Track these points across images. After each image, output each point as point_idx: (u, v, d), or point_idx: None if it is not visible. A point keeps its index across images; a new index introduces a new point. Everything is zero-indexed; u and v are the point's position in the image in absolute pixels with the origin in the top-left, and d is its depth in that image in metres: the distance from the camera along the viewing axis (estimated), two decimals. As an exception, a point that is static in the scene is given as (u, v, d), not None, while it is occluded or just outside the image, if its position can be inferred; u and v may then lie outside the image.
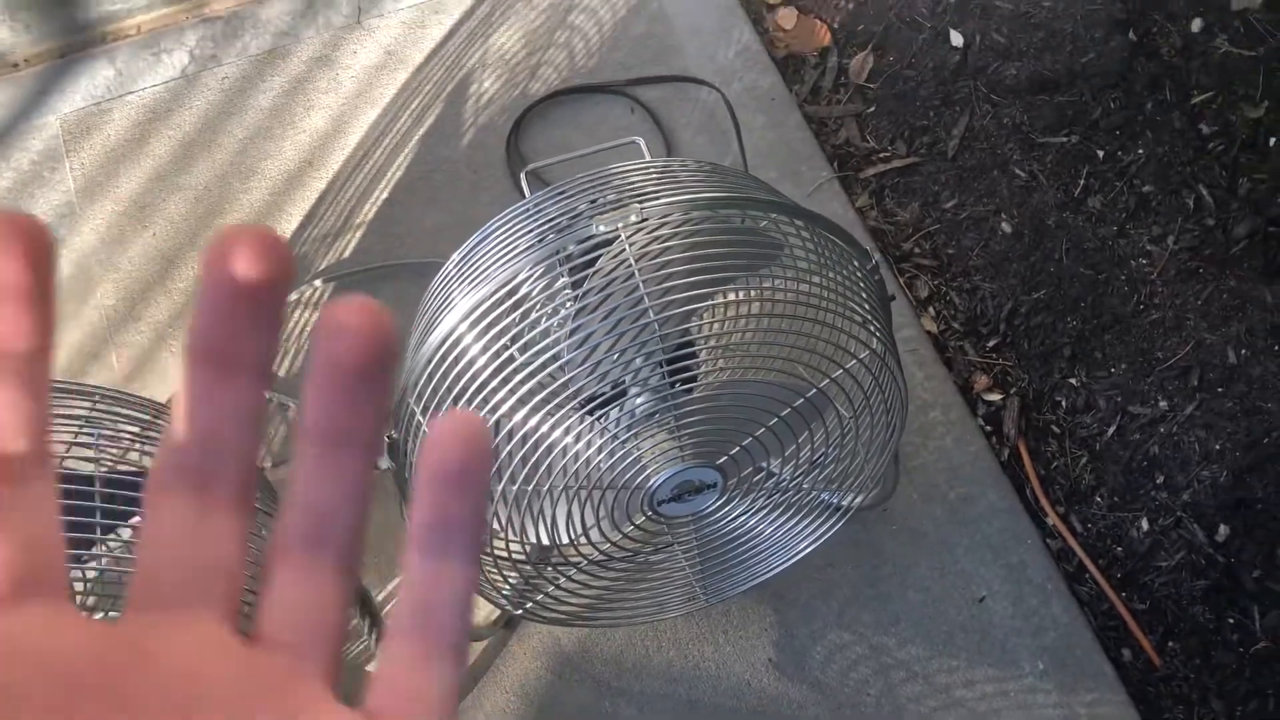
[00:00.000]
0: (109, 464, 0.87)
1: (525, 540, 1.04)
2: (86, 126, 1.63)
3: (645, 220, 0.92)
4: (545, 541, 1.04)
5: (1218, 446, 1.36)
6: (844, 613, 1.32)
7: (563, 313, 0.95)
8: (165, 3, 1.69)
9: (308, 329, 1.49)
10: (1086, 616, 1.31)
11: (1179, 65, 1.54)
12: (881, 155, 1.59)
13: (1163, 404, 1.39)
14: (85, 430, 0.88)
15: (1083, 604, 1.32)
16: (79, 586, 0.88)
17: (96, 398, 0.92)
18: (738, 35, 1.68)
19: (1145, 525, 1.35)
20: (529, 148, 1.59)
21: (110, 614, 0.88)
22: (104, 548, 0.87)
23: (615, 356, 0.93)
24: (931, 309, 1.50)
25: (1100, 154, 1.52)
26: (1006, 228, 1.51)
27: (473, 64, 1.66)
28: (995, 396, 1.44)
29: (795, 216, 0.98)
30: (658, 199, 0.94)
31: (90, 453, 0.86)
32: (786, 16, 1.70)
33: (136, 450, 0.91)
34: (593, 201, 0.98)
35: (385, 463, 1.03)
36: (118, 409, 0.93)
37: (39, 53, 1.68)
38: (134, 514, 0.86)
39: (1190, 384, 1.39)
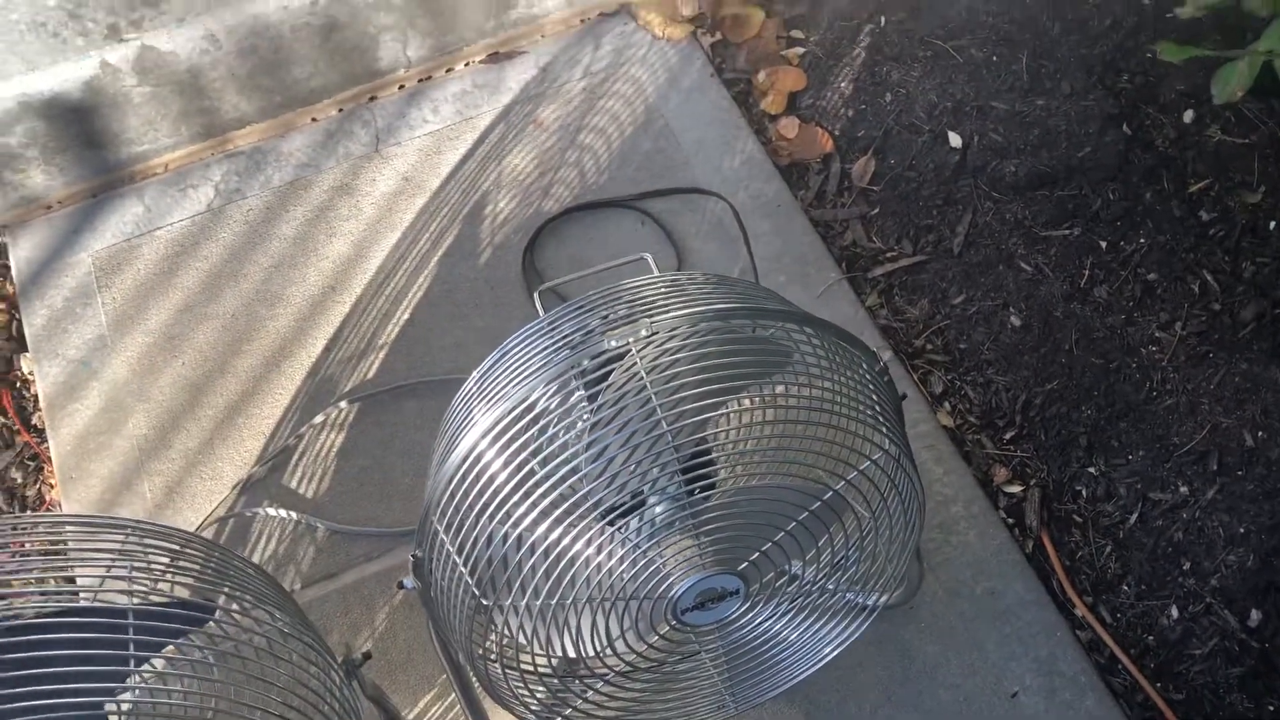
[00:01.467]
0: (141, 596, 0.89)
1: (552, 654, 1.05)
2: (117, 262, 1.68)
3: (654, 334, 0.95)
4: (571, 654, 1.05)
5: (1242, 530, 1.35)
6: (876, 714, 1.31)
7: (579, 426, 0.97)
8: (191, 140, 1.77)
9: (334, 450, 1.51)
10: (1122, 708, 1.30)
11: (1174, 155, 1.58)
12: (888, 255, 1.63)
13: (1183, 489, 1.39)
14: (119, 563, 0.90)
15: (1118, 696, 1.31)
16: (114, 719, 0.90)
17: (129, 530, 0.95)
18: (741, 146, 1.73)
19: (1175, 613, 1.34)
20: (544, 263, 1.63)
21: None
22: (137, 679, 0.89)
23: (631, 468, 0.95)
24: (947, 404, 1.52)
25: (1103, 245, 1.54)
26: (1015, 321, 1.53)
27: (488, 185, 1.72)
28: (1015, 488, 1.45)
29: (802, 323, 1.00)
30: (667, 312, 0.97)
31: (124, 585, 0.88)
32: (788, 126, 1.76)
33: (167, 580, 0.93)
34: (604, 317, 1.01)
35: (410, 582, 1.05)
36: (149, 540, 0.95)
37: (72, 193, 1.75)
38: (166, 644, 0.88)
39: (1209, 468, 1.39)
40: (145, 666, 0.87)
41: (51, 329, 1.64)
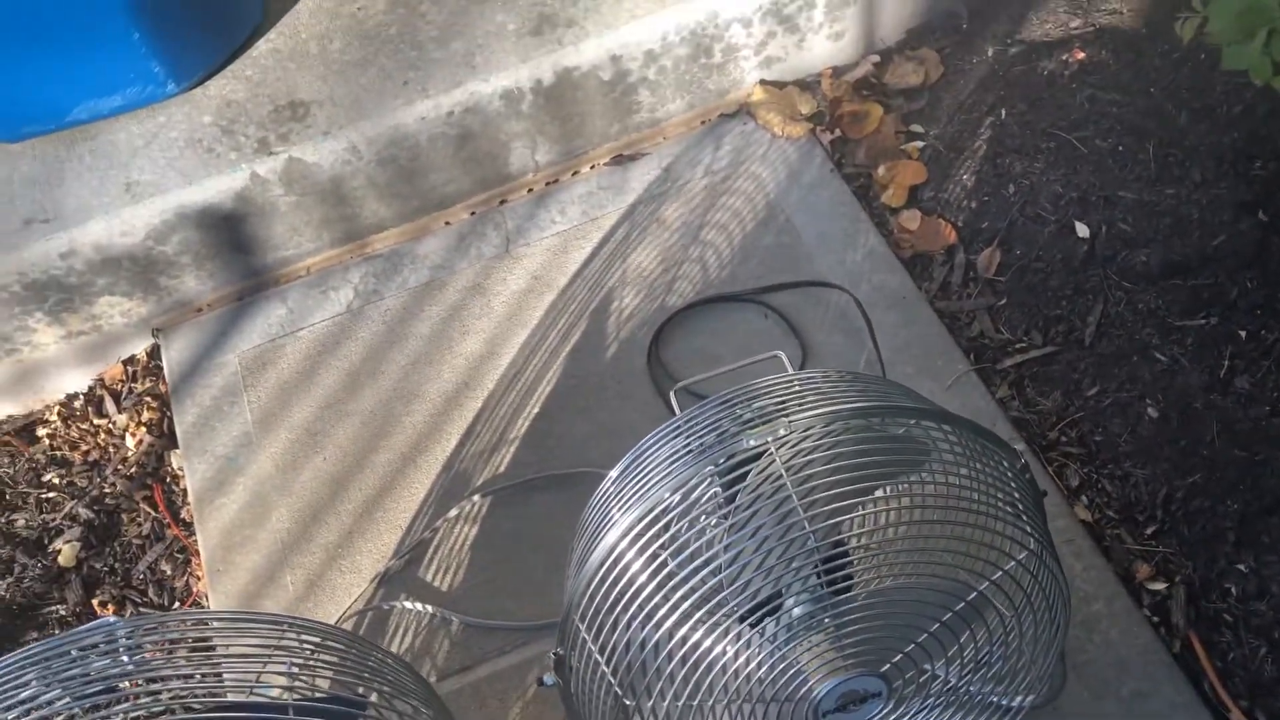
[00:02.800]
0: (299, 692, 0.92)
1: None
2: (262, 362, 1.77)
3: (790, 434, 0.96)
4: (710, 756, 1.05)
5: None
6: (1021, 822, 1.26)
7: (714, 528, 0.98)
8: (331, 245, 1.86)
9: (467, 543, 1.55)
10: (1286, 821, 1.23)
11: (1314, 241, 1.54)
12: (1018, 346, 1.61)
13: (1342, 587, 1.33)
14: (277, 658, 0.94)
15: (1280, 808, 1.24)
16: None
17: (285, 625, 0.99)
18: (864, 240, 1.74)
19: (1339, 719, 1.28)
20: (670, 357, 1.66)
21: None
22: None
23: (767, 570, 0.96)
24: (1084, 497, 1.48)
25: (1243, 334, 1.51)
26: (1153, 412, 1.50)
27: (613, 282, 1.76)
28: (1159, 585, 1.40)
29: (940, 421, 1.00)
30: (802, 411, 0.99)
31: (283, 679, 0.92)
32: (910, 219, 1.77)
33: (320, 675, 0.96)
34: (738, 417, 1.03)
35: (550, 679, 1.06)
36: (305, 635, 0.99)
37: (221, 296, 1.85)
38: (323, 739, 0.91)
39: (1369, 565, 1.33)
40: (303, 761, 0.89)
41: (200, 426, 1.72)
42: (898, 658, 1.01)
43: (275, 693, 0.92)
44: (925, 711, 1.14)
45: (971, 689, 1.16)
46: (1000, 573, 0.99)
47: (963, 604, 1.00)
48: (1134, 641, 1.36)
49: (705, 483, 1.01)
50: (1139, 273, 1.59)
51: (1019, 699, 1.20)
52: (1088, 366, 1.56)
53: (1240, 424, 1.45)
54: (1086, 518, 1.46)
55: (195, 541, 1.63)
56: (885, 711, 1.06)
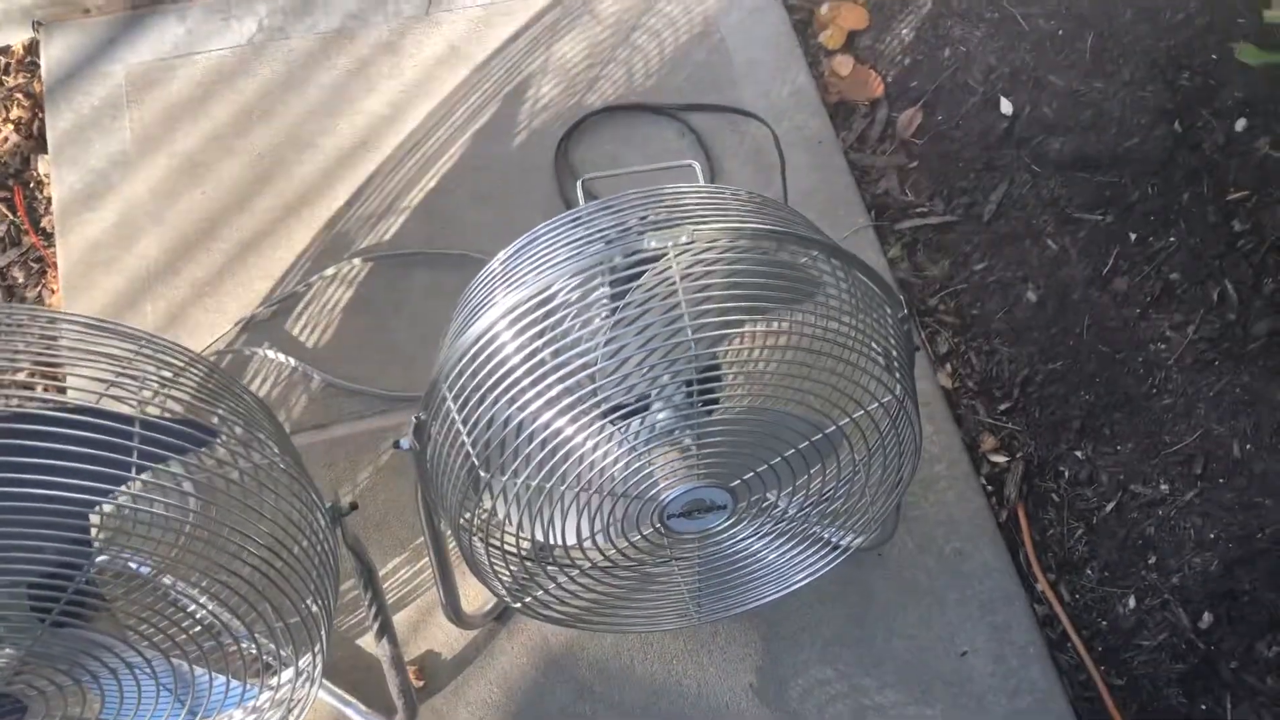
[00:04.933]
0: (147, 406, 0.90)
1: (532, 536, 1.07)
2: (151, 80, 1.66)
3: (693, 242, 0.95)
4: (553, 541, 1.07)
5: (1212, 535, 1.38)
6: (828, 649, 1.34)
7: (597, 322, 0.98)
8: (242, -30, 1.73)
9: (340, 305, 1.52)
10: (1064, 685, 1.33)
11: (1219, 161, 1.57)
12: (919, 210, 1.63)
13: (1164, 487, 1.42)
14: (128, 371, 0.91)
15: (1062, 671, 1.34)
16: (95, 519, 0.91)
17: (142, 341, 0.95)
18: (793, 75, 1.71)
19: (1132, 603, 1.38)
20: (578, 157, 1.62)
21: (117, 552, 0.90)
22: (126, 486, 0.89)
23: (645, 371, 0.96)
24: (948, 366, 1.53)
25: (1132, 236, 1.55)
26: (1032, 296, 1.54)
27: (533, 69, 1.69)
28: (1001, 458, 1.47)
29: (837, 257, 1.01)
30: (708, 223, 0.98)
31: (133, 393, 0.89)
32: (842, 63, 1.74)
33: (172, 394, 0.94)
34: (643, 218, 1.01)
35: (407, 442, 1.06)
36: (161, 355, 0.96)
37: (112, 1, 1.72)
38: (167, 458, 0.89)
39: (1193, 471, 1.42)
40: (142, 477, 0.88)
41: (75, 135, 1.62)
42: (749, 475, 1.03)
43: (125, 408, 0.89)
44: (760, 537, 1.19)
45: (809, 522, 1.20)
46: (862, 412, 1.01)
47: (820, 435, 1.02)
48: (966, 505, 1.43)
49: (594, 277, 0.99)
50: (1050, 159, 1.60)
51: (850, 538, 1.25)
52: (981, 241, 1.59)
53: (1111, 321, 1.50)
54: (947, 385, 1.51)
55: (54, 254, 1.56)
56: (725, 524, 1.10)
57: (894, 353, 1.03)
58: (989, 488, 1.45)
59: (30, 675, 0.91)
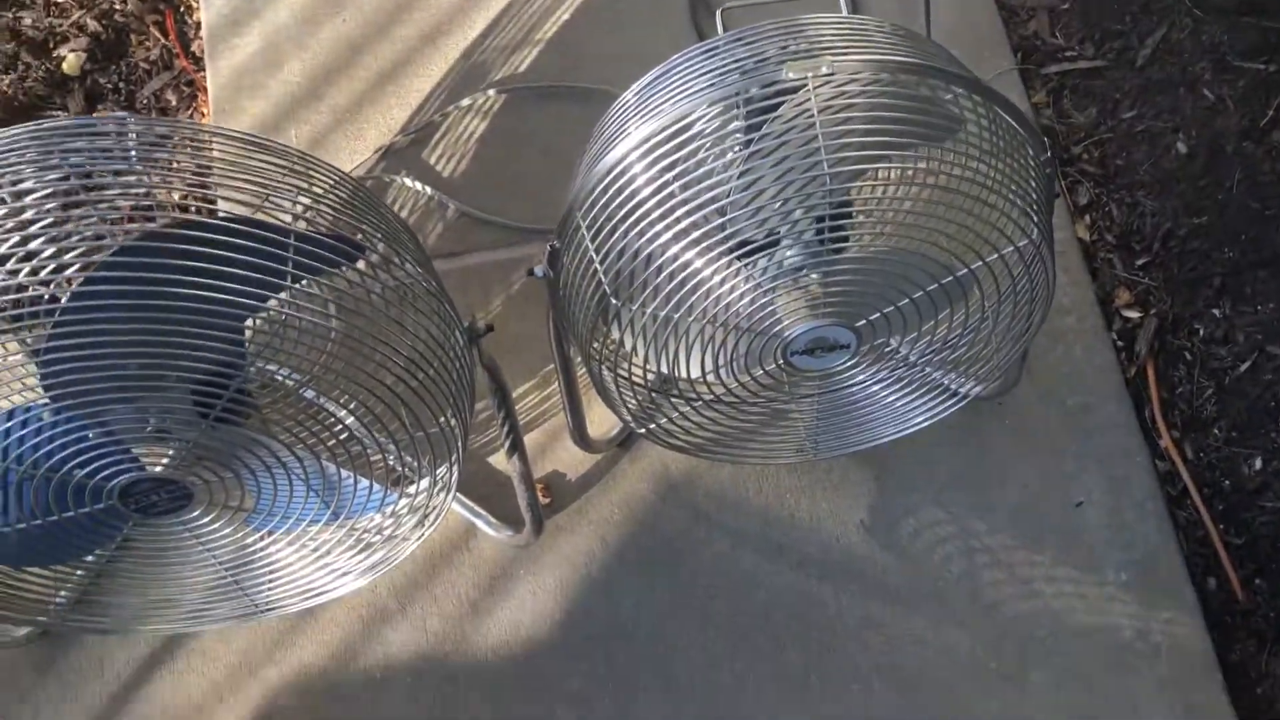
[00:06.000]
0: (304, 220, 0.94)
1: (658, 367, 1.10)
2: (293, -96, 1.67)
3: (834, 74, 0.94)
4: (679, 372, 1.10)
5: (1351, 402, 1.35)
6: (942, 492, 1.36)
7: (730, 156, 0.98)
8: None
9: (474, 136, 1.54)
10: (1179, 540, 1.33)
11: (1404, 7, 1.47)
12: (1068, 54, 1.56)
13: (1304, 350, 1.38)
14: (282, 184, 0.95)
15: (1178, 527, 1.34)
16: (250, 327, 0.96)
17: (295, 157, 0.99)
18: (944, -94, 1.63)
19: (1259, 464, 1.36)
20: (714, -10, 1.59)
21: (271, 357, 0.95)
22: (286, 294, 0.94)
23: (778, 205, 0.96)
24: (1088, 217, 1.49)
25: (1297, 87, 1.47)
26: (1182, 148, 1.48)
27: (672, -103, 1.65)
28: (1134, 313, 1.44)
29: (980, 94, 0.98)
30: (849, 55, 0.96)
31: (289, 207, 0.93)
32: (997, -106, 1.65)
33: (325, 207, 0.98)
34: (783, 48, 1.00)
35: (541, 270, 1.09)
36: (310, 171, 1.00)
37: None
38: (319, 270, 0.93)
39: (1338, 335, 1.37)
40: (296, 286, 0.93)
41: (220, -40, 1.65)
42: (875, 315, 1.04)
43: (286, 217, 0.94)
44: (885, 376, 1.20)
45: (928, 368, 1.21)
46: (996, 255, 1.00)
47: (951, 278, 1.02)
48: (1094, 359, 1.41)
49: (729, 109, 0.99)
50: (1214, 2, 1.51)
51: (970, 385, 1.26)
52: (1131, 88, 1.52)
53: (1265, 176, 1.44)
54: (1085, 237, 1.48)
55: (204, 78, 1.61)
56: (849, 364, 1.11)
57: (1034, 195, 1.01)
58: (1119, 343, 1.43)
59: (195, 466, 0.99)
